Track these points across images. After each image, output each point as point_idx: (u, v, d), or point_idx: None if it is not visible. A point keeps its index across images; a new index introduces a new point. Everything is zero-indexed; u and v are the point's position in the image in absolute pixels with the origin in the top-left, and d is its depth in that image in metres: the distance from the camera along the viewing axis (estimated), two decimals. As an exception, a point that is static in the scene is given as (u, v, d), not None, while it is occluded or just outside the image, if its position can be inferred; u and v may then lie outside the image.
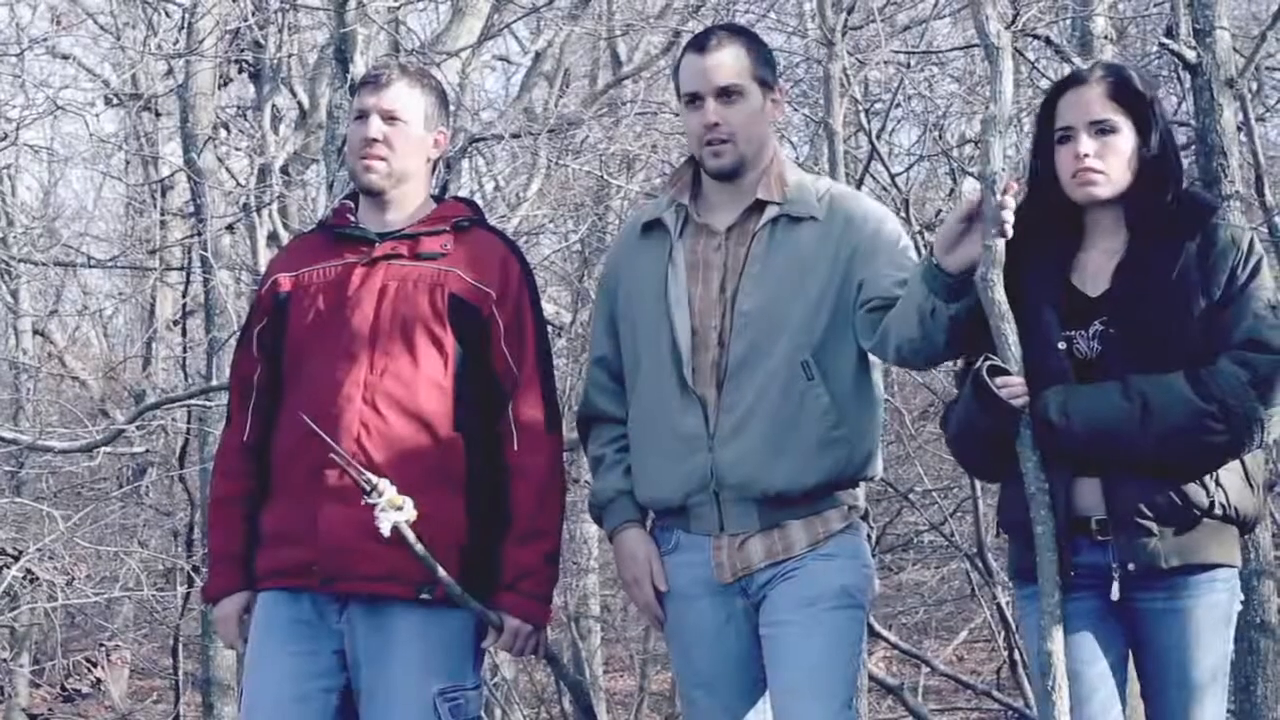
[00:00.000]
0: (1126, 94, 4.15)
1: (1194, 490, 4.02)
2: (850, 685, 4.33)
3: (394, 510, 4.15)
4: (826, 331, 4.34)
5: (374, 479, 4.16)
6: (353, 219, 4.61)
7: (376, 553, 4.28)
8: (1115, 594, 4.04)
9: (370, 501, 4.15)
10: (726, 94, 4.37)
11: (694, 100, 4.42)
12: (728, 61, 4.38)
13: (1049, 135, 4.19)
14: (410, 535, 4.16)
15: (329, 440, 4.24)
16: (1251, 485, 4.13)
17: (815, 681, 4.26)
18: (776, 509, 4.33)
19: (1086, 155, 4.10)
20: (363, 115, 4.54)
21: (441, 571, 4.23)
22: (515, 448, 4.46)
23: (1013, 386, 4.04)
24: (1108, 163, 4.11)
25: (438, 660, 4.39)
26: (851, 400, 4.36)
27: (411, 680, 4.36)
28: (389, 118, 4.53)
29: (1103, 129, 4.13)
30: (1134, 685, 4.22)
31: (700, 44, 4.45)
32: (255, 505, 4.56)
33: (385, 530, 4.13)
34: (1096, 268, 4.17)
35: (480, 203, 17.40)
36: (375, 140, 4.51)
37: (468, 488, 4.43)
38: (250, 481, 4.57)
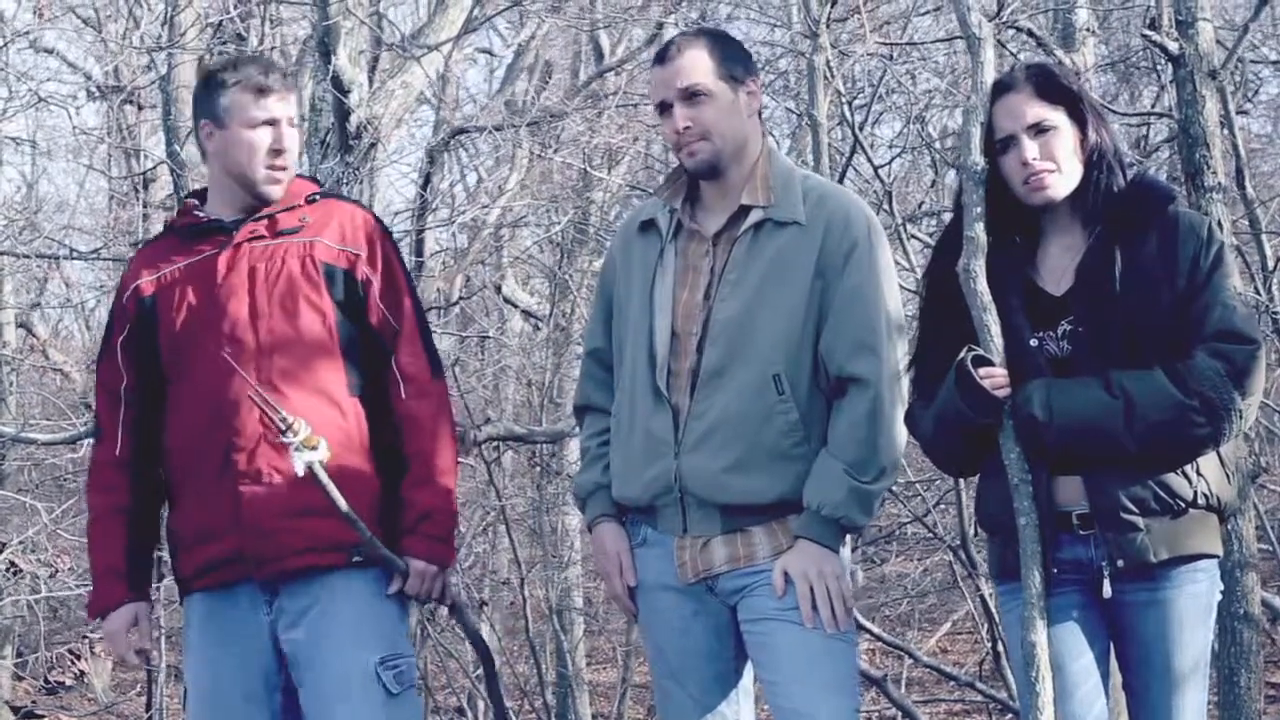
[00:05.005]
0: (1054, 89, 4.18)
1: (1177, 482, 4.04)
2: (852, 676, 4.34)
3: (309, 450, 4.15)
4: (801, 344, 4.32)
5: (290, 418, 4.17)
6: (201, 215, 4.60)
7: (300, 527, 4.32)
8: (1108, 592, 4.05)
9: (285, 440, 4.16)
10: (692, 96, 4.36)
11: (665, 110, 4.43)
12: (687, 65, 4.37)
13: (992, 144, 4.20)
14: (323, 476, 4.17)
15: (246, 377, 4.27)
16: (1228, 474, 4.14)
17: (820, 670, 4.28)
18: (738, 516, 4.34)
19: (1034, 160, 4.11)
20: (273, 122, 4.51)
21: (350, 512, 4.23)
22: (403, 396, 4.50)
23: (996, 377, 4.04)
24: (1056, 160, 4.12)
25: (372, 628, 4.41)
26: (822, 415, 4.35)
27: (348, 652, 4.37)
28: (291, 122, 4.55)
29: (1041, 129, 4.14)
30: (1116, 677, 4.23)
31: (661, 55, 4.47)
32: (136, 518, 4.57)
33: (299, 469, 4.14)
34: (1058, 266, 4.18)
35: (462, 194, 17.40)
36: (284, 150, 4.53)
37: (374, 449, 4.48)
38: (126, 495, 4.57)
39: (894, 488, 11.12)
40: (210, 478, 4.41)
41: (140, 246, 4.97)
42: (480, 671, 12.43)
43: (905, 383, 4.33)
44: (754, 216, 4.37)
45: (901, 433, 4.34)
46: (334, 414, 4.42)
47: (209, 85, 4.54)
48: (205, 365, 4.43)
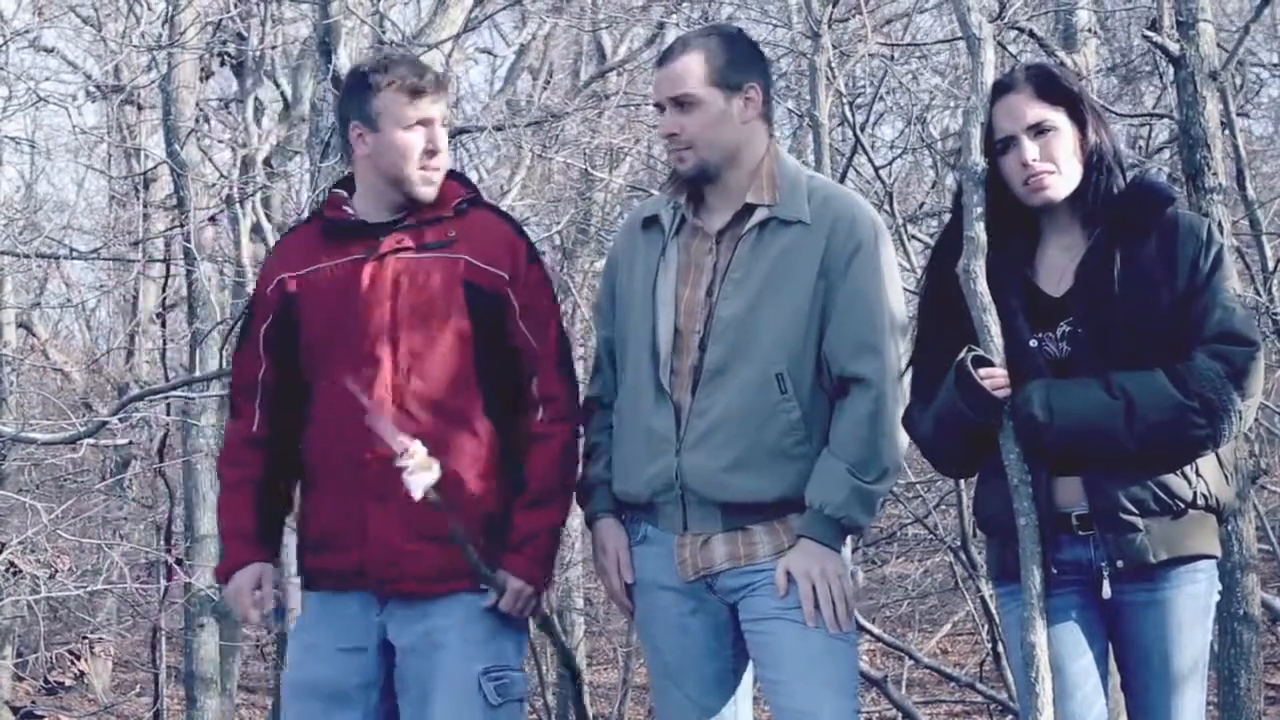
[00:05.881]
0: (1055, 90, 4.16)
1: (1176, 482, 4.03)
2: (853, 677, 4.34)
3: (424, 472, 4.19)
4: (804, 343, 4.32)
5: (406, 441, 4.19)
6: (350, 210, 4.56)
7: (425, 552, 4.33)
8: (1107, 592, 4.04)
9: (401, 464, 4.19)
10: (681, 103, 4.37)
11: (661, 111, 4.44)
12: (679, 72, 4.37)
13: (992, 144, 4.19)
14: (437, 499, 4.20)
15: (365, 400, 4.30)
16: (1227, 475, 4.14)
17: (822, 670, 4.28)
18: (739, 514, 4.34)
19: (1034, 161, 4.10)
20: (427, 123, 4.48)
21: (461, 536, 4.27)
22: (539, 418, 4.47)
23: (996, 377, 4.04)
24: (1055, 161, 4.11)
25: (480, 642, 4.40)
26: (824, 415, 4.34)
27: (455, 663, 4.37)
28: (444, 122, 4.52)
29: (1041, 129, 4.13)
30: (1114, 678, 4.23)
31: (662, 57, 4.49)
32: (267, 489, 4.59)
33: (417, 494, 4.17)
34: (1057, 267, 4.17)
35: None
36: (438, 151, 4.50)
37: (499, 470, 4.45)
38: (259, 469, 4.58)
39: (895, 489, 11.11)
40: (342, 487, 4.42)
41: (287, 232, 4.97)
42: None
43: (905, 383, 4.33)
44: (759, 215, 4.37)
45: (904, 433, 4.34)
46: (465, 436, 4.40)
47: (359, 87, 4.49)
48: (341, 376, 4.43)
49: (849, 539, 4.40)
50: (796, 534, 4.29)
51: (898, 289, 4.41)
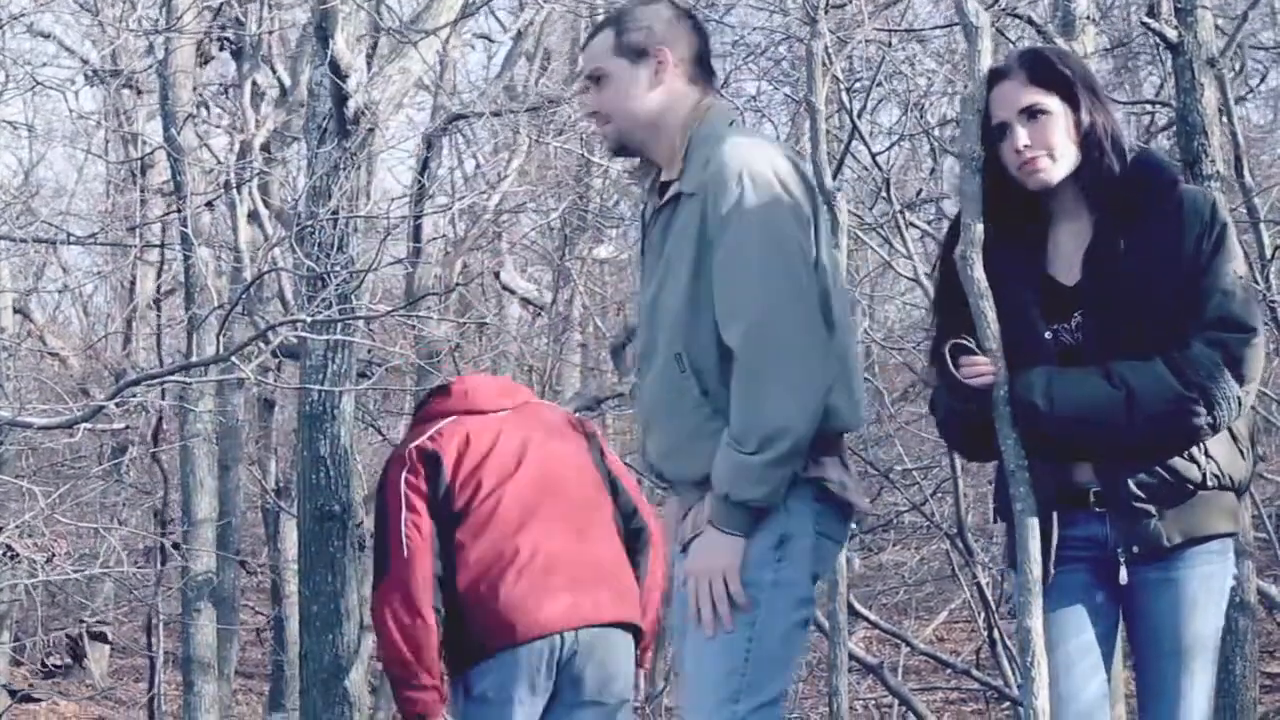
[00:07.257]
0: (1047, 74, 4.14)
1: (1185, 465, 4.01)
2: (731, 671, 4.10)
3: None
4: (696, 318, 4.13)
5: None
6: None
7: None
8: (1124, 578, 4.04)
9: None
10: (594, 80, 4.31)
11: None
12: (591, 50, 4.34)
13: (989, 131, 4.17)
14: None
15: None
16: (1242, 450, 4.11)
17: (700, 672, 4.14)
18: (698, 486, 4.18)
19: (1026, 146, 4.09)
20: None
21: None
22: None
23: (976, 366, 4.02)
24: (1049, 145, 4.09)
25: None
26: (729, 391, 4.11)
27: None
28: None
29: (1033, 113, 4.11)
30: (1116, 665, 4.22)
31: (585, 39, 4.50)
32: None
33: None
34: (1067, 253, 4.15)
35: (460, 180, 17.38)
36: None
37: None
38: None
39: (891, 476, 11.13)
40: None
41: None
42: None
43: (801, 342, 4.05)
44: (670, 191, 4.25)
45: (792, 399, 4.04)
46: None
47: None
48: None
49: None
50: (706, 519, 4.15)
51: (778, 242, 4.08)
